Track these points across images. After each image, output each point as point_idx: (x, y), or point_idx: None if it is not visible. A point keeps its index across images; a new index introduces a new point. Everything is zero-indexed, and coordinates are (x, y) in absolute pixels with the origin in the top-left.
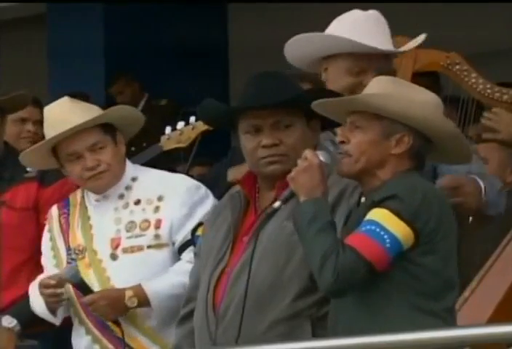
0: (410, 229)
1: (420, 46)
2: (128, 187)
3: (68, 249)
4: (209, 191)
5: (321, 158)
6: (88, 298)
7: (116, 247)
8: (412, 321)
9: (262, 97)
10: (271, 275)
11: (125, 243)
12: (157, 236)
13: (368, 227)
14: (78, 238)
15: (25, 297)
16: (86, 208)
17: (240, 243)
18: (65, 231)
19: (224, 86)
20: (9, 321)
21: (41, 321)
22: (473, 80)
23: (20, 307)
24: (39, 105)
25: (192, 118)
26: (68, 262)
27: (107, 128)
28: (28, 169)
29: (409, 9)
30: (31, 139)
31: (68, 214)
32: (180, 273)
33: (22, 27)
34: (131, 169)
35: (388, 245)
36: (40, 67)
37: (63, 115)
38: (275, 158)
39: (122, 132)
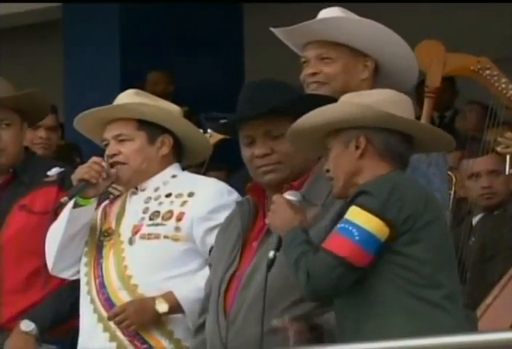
0: (380, 220)
1: (449, 51)
2: (165, 182)
3: (100, 231)
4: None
5: (288, 197)
6: (117, 308)
7: (136, 233)
8: (414, 311)
9: (248, 108)
10: (280, 280)
11: (145, 229)
12: (177, 228)
13: (339, 226)
14: (111, 222)
15: (43, 301)
16: (127, 196)
17: (250, 249)
18: (107, 216)
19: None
20: (27, 325)
21: (59, 326)
22: (503, 85)
23: (39, 312)
24: (53, 110)
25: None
26: (97, 244)
27: (144, 125)
28: (48, 173)
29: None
30: (44, 146)
31: (113, 204)
32: (206, 277)
33: (38, 33)
34: (175, 169)
35: (356, 238)
36: (56, 72)
37: (130, 98)
38: (269, 168)
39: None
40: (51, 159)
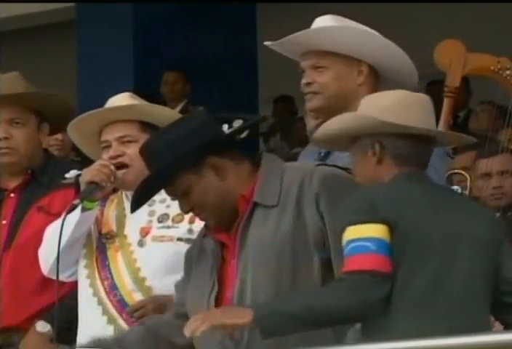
0: (373, 223)
1: (470, 50)
2: None
3: (99, 233)
4: None
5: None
6: (138, 302)
7: (145, 235)
8: None
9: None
10: (270, 286)
11: (156, 232)
12: (190, 231)
13: (346, 249)
14: (110, 224)
15: (59, 302)
16: (122, 200)
17: (229, 267)
18: (99, 220)
19: (254, 96)
20: (43, 326)
21: (76, 327)
22: None
23: (54, 313)
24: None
25: (225, 126)
26: (97, 246)
27: (147, 127)
28: (66, 176)
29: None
30: (59, 147)
31: (104, 206)
32: None
33: (51, 33)
34: None
35: (372, 248)
36: (69, 74)
37: (127, 100)
38: None
39: None
40: (69, 161)
